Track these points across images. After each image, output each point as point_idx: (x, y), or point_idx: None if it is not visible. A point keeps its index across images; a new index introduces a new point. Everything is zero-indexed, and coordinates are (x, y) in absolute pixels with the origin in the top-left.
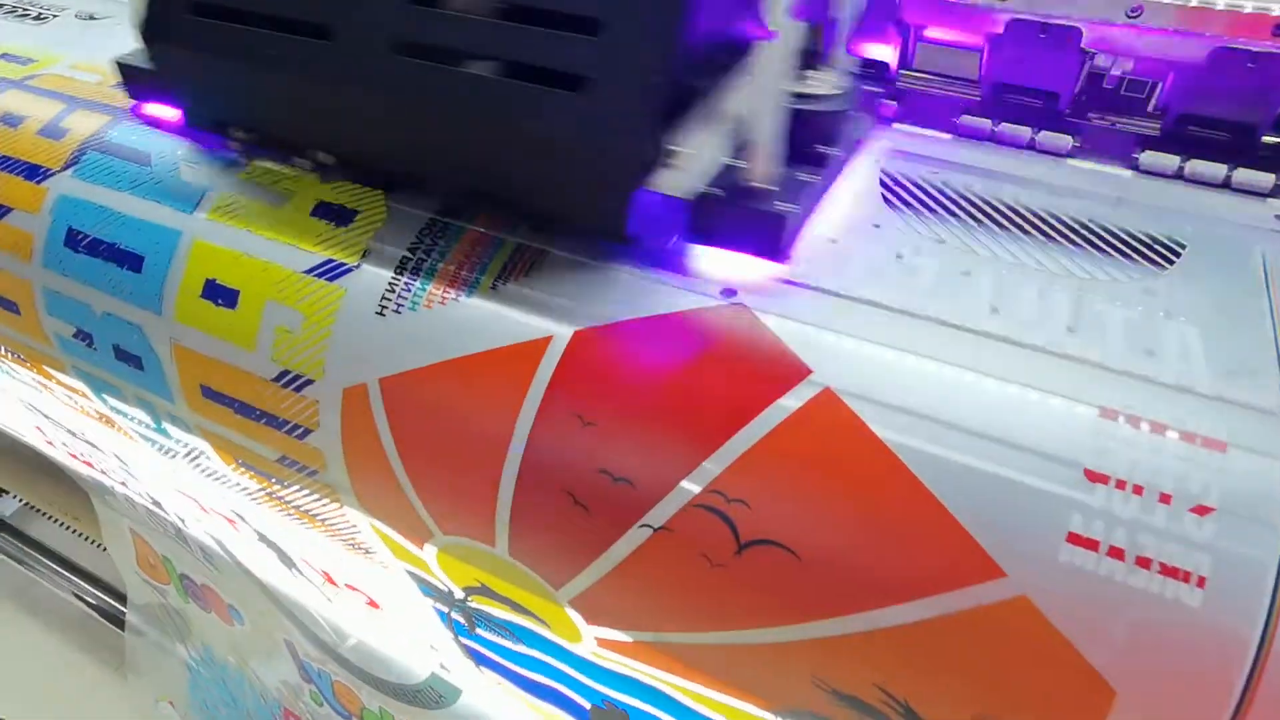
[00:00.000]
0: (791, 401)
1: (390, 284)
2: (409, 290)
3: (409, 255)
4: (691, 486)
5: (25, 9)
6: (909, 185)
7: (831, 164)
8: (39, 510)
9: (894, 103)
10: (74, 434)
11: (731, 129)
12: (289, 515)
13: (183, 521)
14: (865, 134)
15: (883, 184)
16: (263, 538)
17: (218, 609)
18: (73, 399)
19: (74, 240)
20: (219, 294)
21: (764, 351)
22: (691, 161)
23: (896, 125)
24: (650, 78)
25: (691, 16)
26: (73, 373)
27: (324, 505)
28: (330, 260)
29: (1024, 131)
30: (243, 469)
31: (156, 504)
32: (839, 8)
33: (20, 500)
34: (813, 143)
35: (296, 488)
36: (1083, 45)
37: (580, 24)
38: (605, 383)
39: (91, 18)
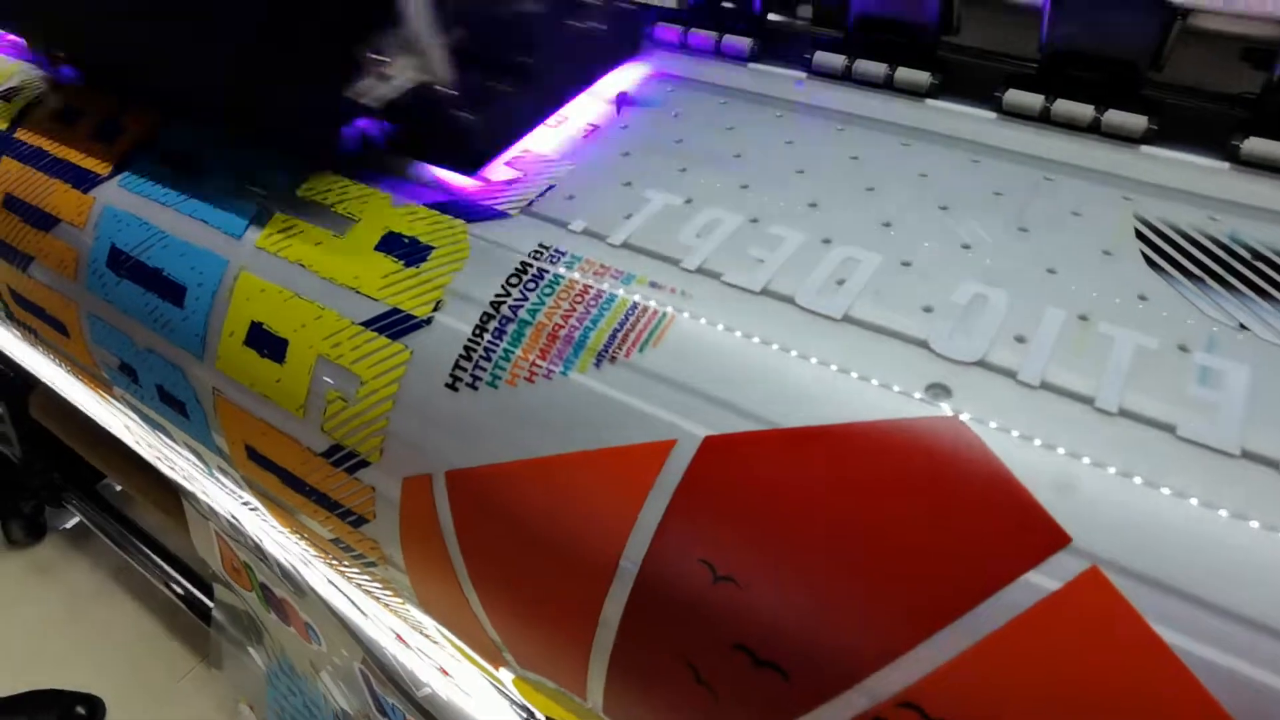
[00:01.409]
0: (1040, 581)
1: (467, 347)
2: (489, 357)
3: (492, 310)
4: (873, 692)
5: None
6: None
7: (542, 79)
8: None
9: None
10: (152, 444)
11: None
12: (355, 588)
13: (260, 540)
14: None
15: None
16: (333, 583)
17: (296, 624)
18: (138, 422)
19: (117, 261)
20: (265, 343)
21: (996, 499)
22: (391, 70)
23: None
24: None
25: None
26: (124, 405)
27: (386, 594)
28: (395, 311)
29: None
30: (299, 535)
31: (236, 519)
32: None
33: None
34: (506, 53)
35: (355, 570)
36: None
37: None
38: (750, 519)
39: None
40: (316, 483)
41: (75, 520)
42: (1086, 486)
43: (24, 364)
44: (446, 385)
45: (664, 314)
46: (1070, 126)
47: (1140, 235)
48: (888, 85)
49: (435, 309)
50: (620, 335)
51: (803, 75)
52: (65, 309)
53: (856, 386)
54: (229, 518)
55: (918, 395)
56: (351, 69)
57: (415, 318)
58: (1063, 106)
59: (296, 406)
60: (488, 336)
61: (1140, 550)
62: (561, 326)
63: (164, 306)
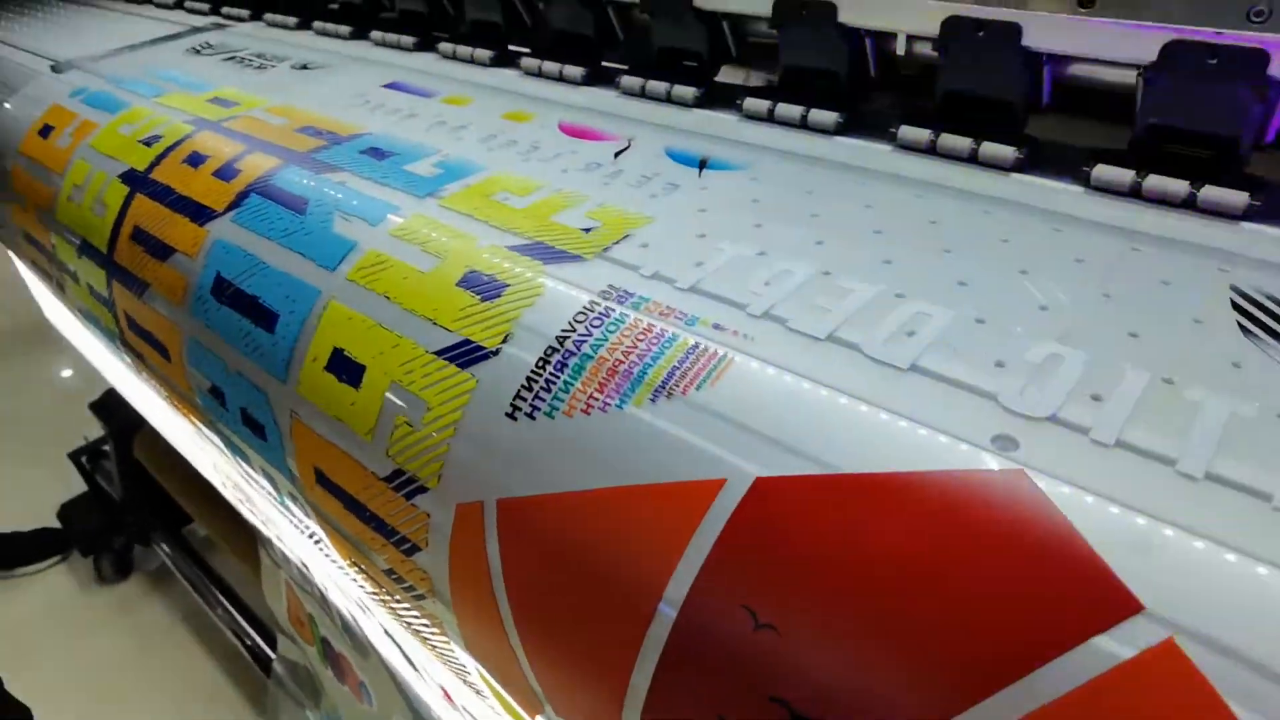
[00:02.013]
0: (1107, 648)
1: (529, 378)
2: (550, 389)
3: (557, 344)
4: None
5: (251, 59)
6: None
7: None
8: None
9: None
10: (236, 484)
11: None
12: (403, 628)
13: (326, 590)
14: None
15: None
16: (387, 632)
17: (351, 682)
18: (222, 451)
19: (220, 289)
20: (344, 368)
21: (1061, 558)
22: None
23: None
24: None
25: None
26: (211, 429)
27: (433, 632)
28: (467, 341)
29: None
30: (357, 569)
31: (305, 566)
32: None
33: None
34: None
35: (406, 605)
36: None
37: None
38: (796, 565)
39: (305, 67)
40: (376, 508)
41: (159, 563)
42: (1165, 551)
43: (134, 400)
44: (506, 414)
45: (724, 355)
46: (1163, 202)
47: (1236, 306)
48: (973, 159)
49: (504, 341)
50: (679, 373)
51: (888, 148)
52: (170, 333)
53: (917, 434)
54: (299, 565)
55: (983, 447)
56: None
57: (484, 348)
58: (1155, 182)
59: (366, 430)
60: (550, 369)
61: (1223, 623)
62: (622, 362)
63: (256, 332)
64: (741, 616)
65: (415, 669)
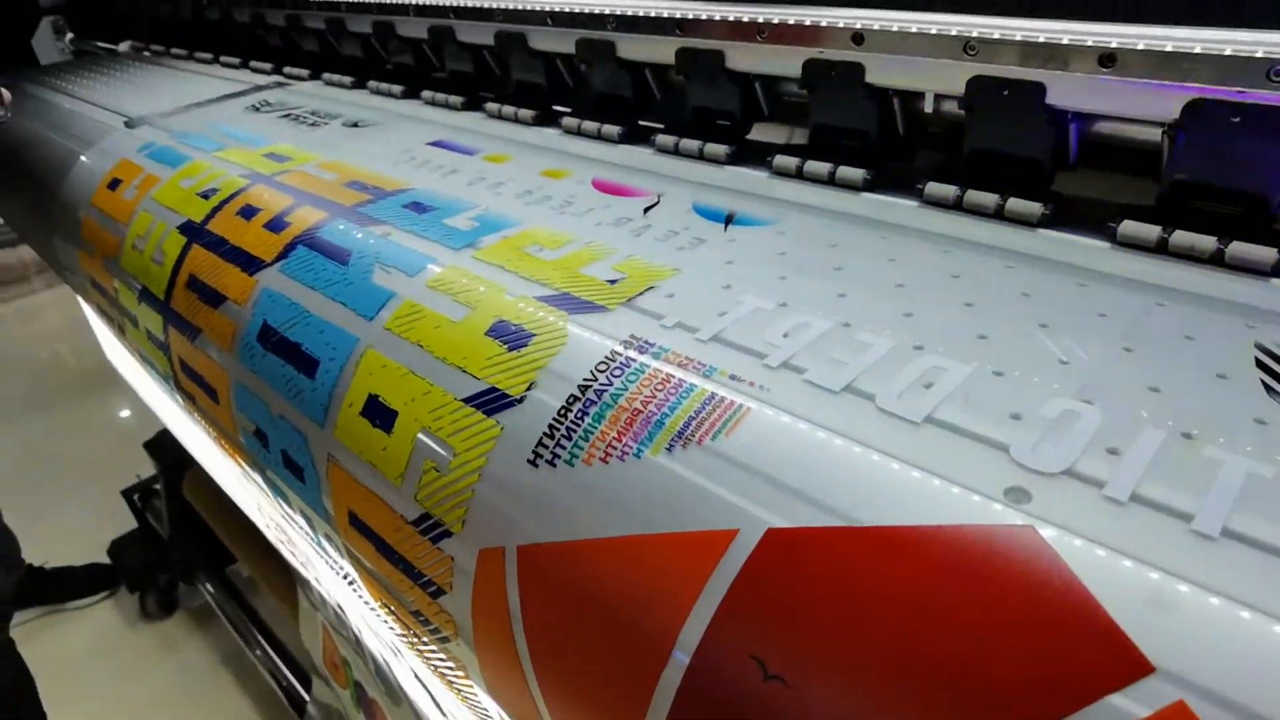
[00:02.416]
0: (1118, 708)
1: (551, 426)
2: (570, 437)
3: (579, 392)
4: None
5: (307, 116)
6: None
7: None
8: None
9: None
10: (277, 524)
11: None
12: (431, 671)
13: (360, 633)
14: None
15: None
16: (417, 677)
17: None
18: (264, 491)
19: (266, 336)
20: (378, 413)
21: (1071, 615)
22: None
23: None
24: None
25: None
26: (255, 470)
27: (457, 676)
28: (493, 389)
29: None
30: (387, 610)
31: (341, 609)
32: None
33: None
34: None
35: (432, 648)
36: None
37: None
38: (805, 617)
39: (357, 124)
40: (405, 550)
41: (202, 601)
42: (1178, 610)
43: (184, 441)
44: (528, 461)
45: (740, 405)
46: (1190, 257)
47: (1261, 363)
48: (999, 215)
49: (528, 389)
50: (695, 422)
51: (914, 204)
52: (219, 377)
53: (930, 487)
54: (336, 608)
55: (994, 500)
56: None
57: (510, 396)
58: (1182, 237)
59: (396, 474)
60: (571, 417)
61: (1236, 684)
62: (640, 412)
63: (298, 377)
64: (751, 668)
65: (444, 716)
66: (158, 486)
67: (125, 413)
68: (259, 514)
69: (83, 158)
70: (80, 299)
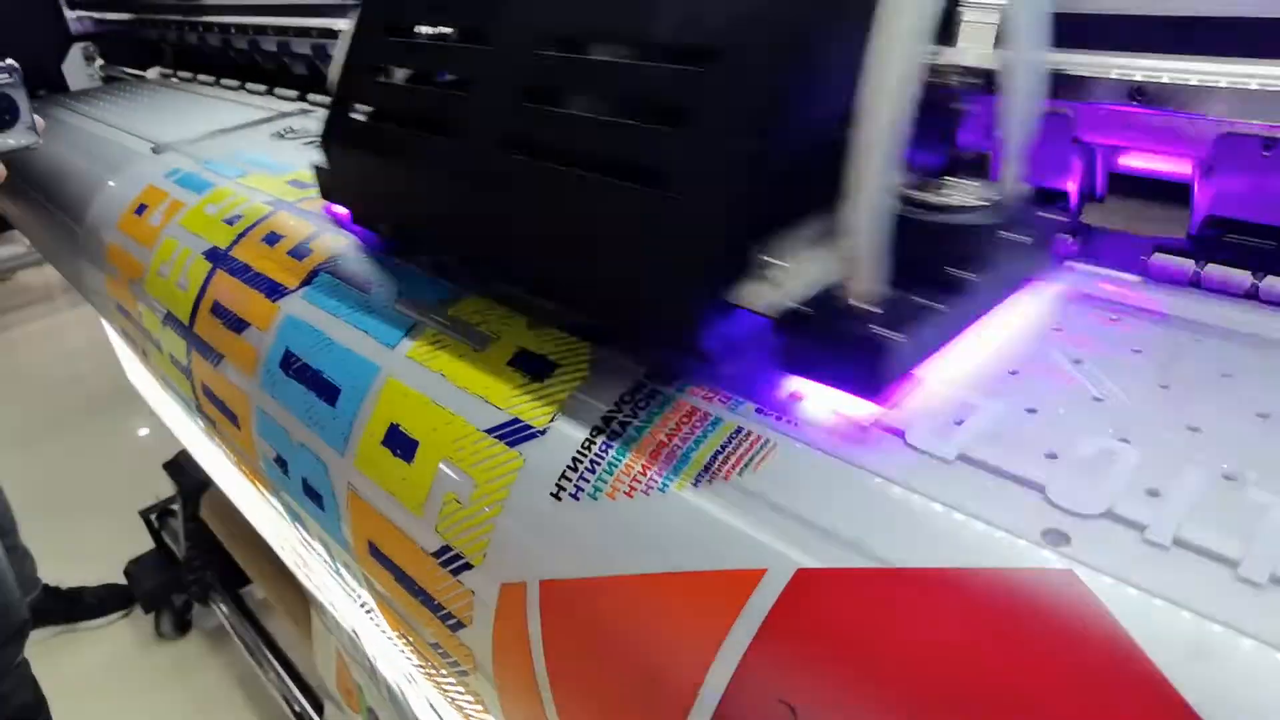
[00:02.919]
0: None
1: (575, 459)
2: (594, 470)
3: (602, 424)
4: None
5: None
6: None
7: (970, 292)
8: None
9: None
10: (294, 548)
11: (844, 244)
12: (448, 703)
13: (375, 659)
14: (1037, 270)
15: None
16: (433, 707)
17: None
18: (283, 517)
19: (288, 363)
20: (399, 443)
21: (1112, 662)
22: (787, 275)
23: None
24: (734, 174)
25: (786, 110)
26: (274, 496)
27: (476, 709)
28: (516, 420)
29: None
30: (405, 640)
31: (356, 634)
32: (1007, 123)
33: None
34: (943, 264)
35: (450, 680)
36: None
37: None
38: (833, 661)
39: None
40: (425, 583)
41: (217, 623)
42: (1225, 660)
43: (204, 463)
44: (551, 494)
45: (767, 440)
46: (1224, 292)
47: None
48: None
49: (551, 420)
50: (722, 457)
51: None
52: (240, 402)
53: (964, 527)
54: (351, 633)
55: (1033, 542)
56: (742, 269)
57: (532, 427)
58: (1215, 272)
59: (417, 505)
60: (595, 449)
61: None
62: (665, 445)
63: (319, 405)
64: (780, 712)
65: None
66: (175, 507)
67: (144, 432)
68: (276, 537)
69: (110, 183)
70: (103, 320)
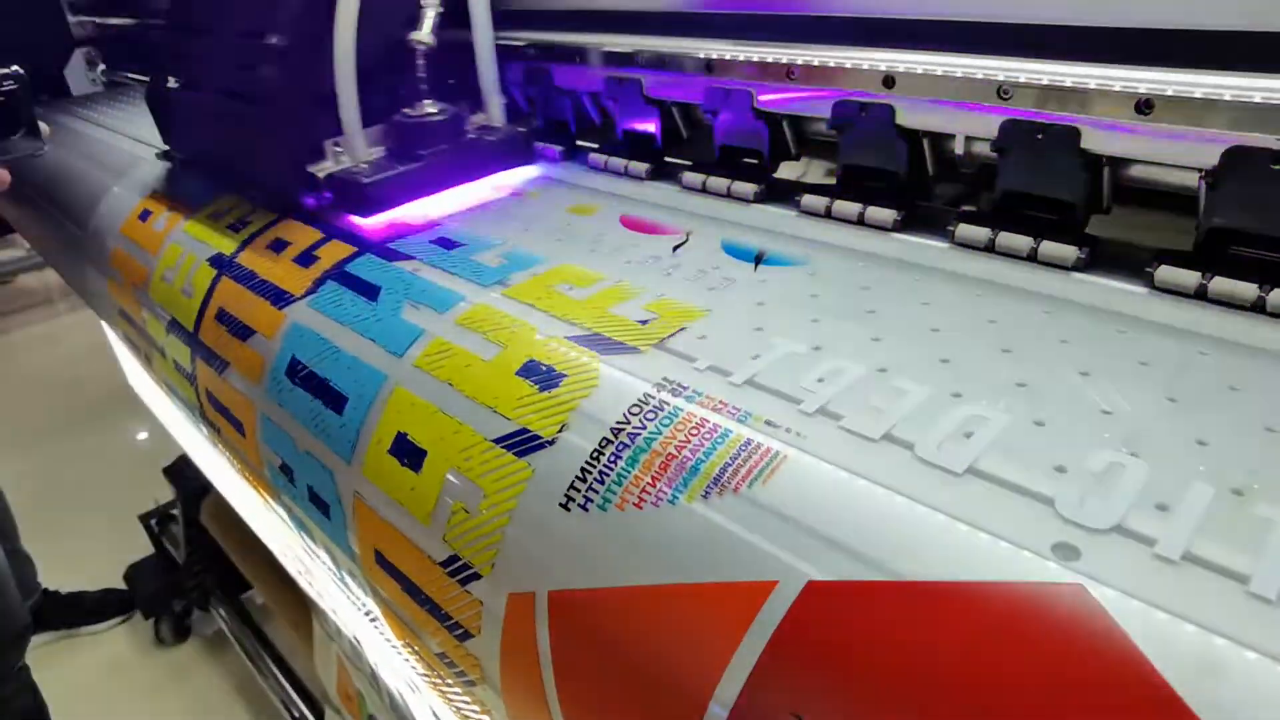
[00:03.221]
0: None
1: (584, 469)
2: (603, 480)
3: (611, 435)
4: None
5: None
6: None
7: (434, 164)
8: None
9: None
10: (296, 555)
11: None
12: (453, 712)
13: (377, 666)
14: (507, 163)
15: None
16: (436, 715)
17: None
18: (287, 524)
19: (294, 370)
20: (406, 451)
21: (1121, 676)
22: (338, 157)
23: None
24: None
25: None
26: (279, 504)
27: (482, 719)
28: (524, 430)
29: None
30: (410, 649)
31: (358, 641)
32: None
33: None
34: (416, 148)
35: (456, 690)
36: None
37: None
38: (843, 674)
39: None
40: (432, 592)
41: (216, 628)
42: (1236, 676)
43: (205, 468)
44: (560, 505)
45: (777, 452)
46: (1229, 304)
47: None
48: (1032, 259)
49: (560, 430)
50: (731, 469)
51: (945, 245)
52: (245, 410)
53: (974, 541)
54: (352, 639)
55: (1043, 556)
56: (317, 152)
57: (541, 438)
58: (1221, 284)
59: (424, 515)
60: (604, 460)
61: None
62: (675, 456)
63: (325, 413)
64: None
65: None
66: (175, 512)
67: (144, 437)
68: (278, 544)
69: (114, 188)
70: (105, 324)
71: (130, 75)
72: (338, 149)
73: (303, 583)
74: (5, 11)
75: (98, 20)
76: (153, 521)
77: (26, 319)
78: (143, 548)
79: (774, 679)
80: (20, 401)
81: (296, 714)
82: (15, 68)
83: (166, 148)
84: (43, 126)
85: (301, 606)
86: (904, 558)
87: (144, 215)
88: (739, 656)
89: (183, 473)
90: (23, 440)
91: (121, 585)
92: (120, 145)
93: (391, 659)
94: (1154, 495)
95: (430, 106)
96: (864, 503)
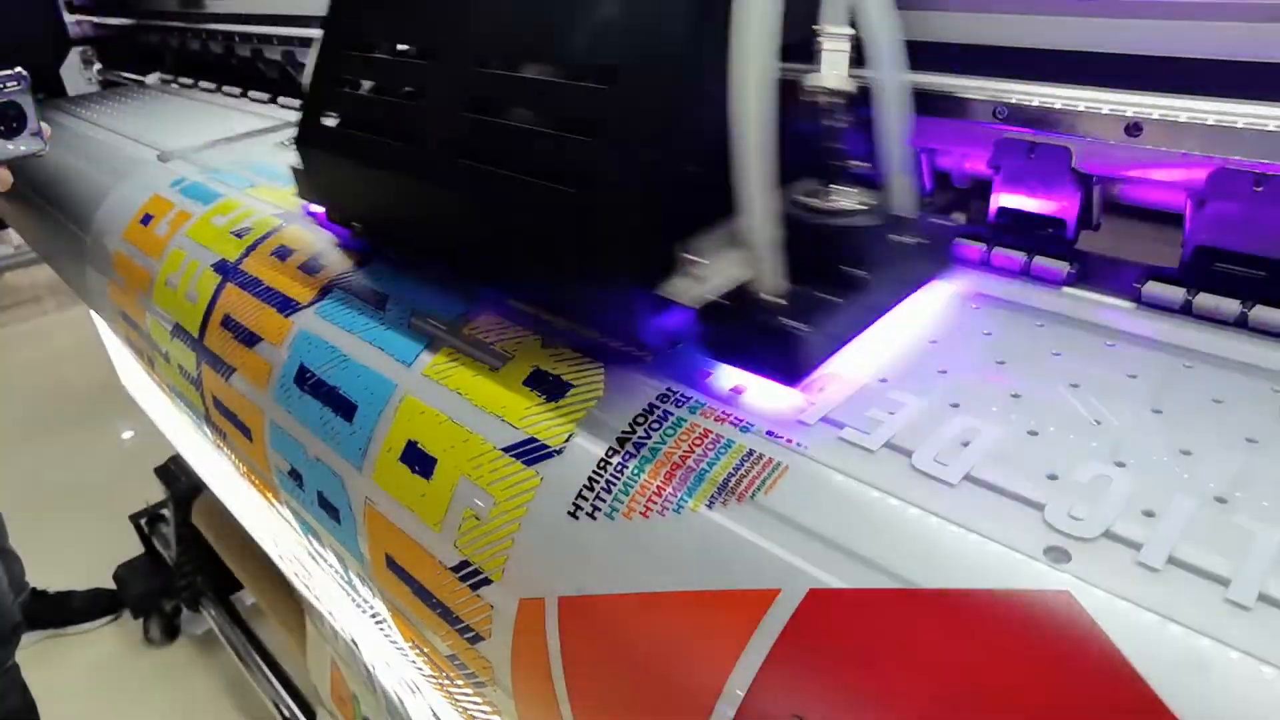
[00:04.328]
0: None
1: (591, 478)
2: (610, 489)
3: (617, 445)
4: None
5: None
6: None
7: (865, 288)
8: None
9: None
10: (295, 557)
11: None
12: (459, 713)
13: (373, 669)
14: (934, 270)
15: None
16: (436, 716)
17: None
18: (291, 527)
19: (303, 378)
20: (417, 460)
21: (1108, 678)
22: (707, 271)
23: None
24: (641, 176)
25: (688, 118)
26: (286, 508)
27: (494, 719)
28: (533, 440)
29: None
30: (418, 651)
31: (355, 643)
32: (883, 136)
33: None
34: (837, 264)
35: (466, 691)
36: None
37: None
38: (847, 680)
39: None
40: (443, 596)
41: (206, 628)
42: (1215, 676)
43: (199, 469)
44: (569, 513)
45: (779, 462)
46: (1214, 320)
47: None
48: (1025, 273)
49: (567, 440)
50: (735, 478)
51: None
52: (253, 416)
53: (970, 547)
54: (349, 641)
55: (1036, 561)
56: (668, 267)
57: (549, 447)
58: (1206, 300)
59: (436, 521)
60: (610, 470)
61: None
62: (679, 466)
63: (335, 420)
64: None
65: None
66: (166, 512)
67: (132, 435)
68: (273, 545)
69: (115, 191)
70: (100, 324)
71: (126, 75)
72: (698, 261)
73: (299, 584)
74: (1, 10)
75: (94, 19)
76: (143, 521)
77: (13, 317)
78: (132, 547)
79: (778, 683)
80: (7, 399)
81: (287, 714)
82: (18, 69)
83: (303, 200)
84: (44, 127)
85: (294, 608)
86: (903, 565)
87: (145, 219)
88: (743, 661)
89: (174, 473)
90: (9, 438)
91: (110, 585)
92: (120, 147)
93: (395, 660)
94: (1141, 503)
95: (846, 195)
96: (864, 511)
